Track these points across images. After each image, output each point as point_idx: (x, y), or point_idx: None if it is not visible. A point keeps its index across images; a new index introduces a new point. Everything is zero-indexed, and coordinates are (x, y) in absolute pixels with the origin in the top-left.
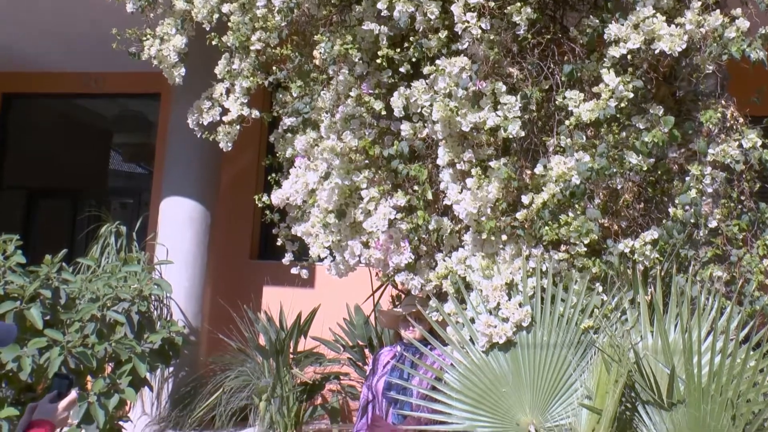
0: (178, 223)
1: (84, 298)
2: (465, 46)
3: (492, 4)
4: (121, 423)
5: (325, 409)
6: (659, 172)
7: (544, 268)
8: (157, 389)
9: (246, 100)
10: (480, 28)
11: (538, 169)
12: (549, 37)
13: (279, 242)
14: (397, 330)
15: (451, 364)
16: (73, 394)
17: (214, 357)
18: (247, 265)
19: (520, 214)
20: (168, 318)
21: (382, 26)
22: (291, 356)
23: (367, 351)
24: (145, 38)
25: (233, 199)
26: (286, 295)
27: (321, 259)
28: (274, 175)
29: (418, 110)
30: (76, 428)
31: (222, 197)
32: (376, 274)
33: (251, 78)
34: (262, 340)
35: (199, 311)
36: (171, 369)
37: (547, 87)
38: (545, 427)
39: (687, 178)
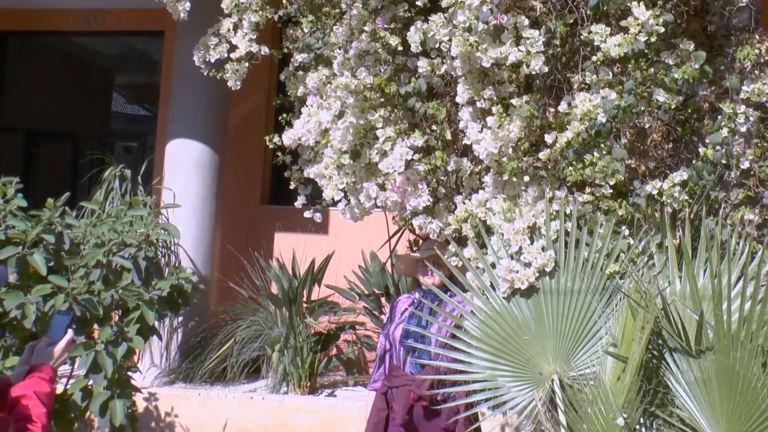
0: (185, 167)
1: (89, 244)
2: None
3: None
4: (130, 373)
5: (340, 360)
6: (689, 111)
7: (568, 211)
8: (166, 340)
9: (255, 36)
10: None
11: (562, 107)
12: None
13: (291, 186)
14: (415, 276)
15: (471, 311)
16: (70, 333)
17: (224, 306)
18: (257, 210)
19: (543, 154)
20: (176, 265)
21: None
22: (304, 305)
23: (383, 299)
24: None
25: (243, 142)
26: (299, 242)
27: (335, 203)
28: (285, 115)
29: (436, 45)
30: (83, 378)
31: (231, 140)
32: (393, 218)
33: (260, 12)
34: (274, 289)
35: (209, 259)
36: (180, 319)
37: (571, 21)
38: (569, 376)
39: (718, 117)
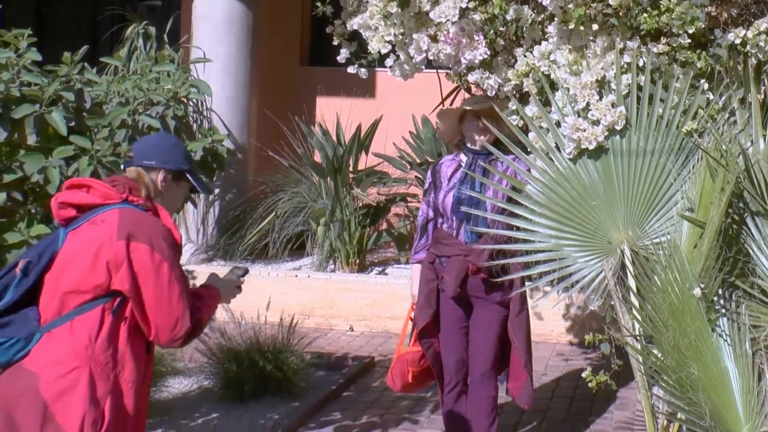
0: (215, 24)
1: (112, 102)
2: None
3: None
4: None
5: (391, 236)
6: None
7: (641, 63)
8: (202, 214)
9: None
10: None
11: None
12: None
13: (334, 43)
14: (456, 141)
15: (529, 170)
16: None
17: (263, 177)
18: (296, 71)
19: (613, 0)
20: (208, 127)
21: None
22: (351, 175)
23: None
24: None
25: None
26: (344, 106)
27: (382, 60)
28: None
29: None
30: None
31: None
32: (446, 75)
33: None
34: (317, 157)
35: (245, 125)
36: (217, 191)
37: None
38: (641, 244)
39: None
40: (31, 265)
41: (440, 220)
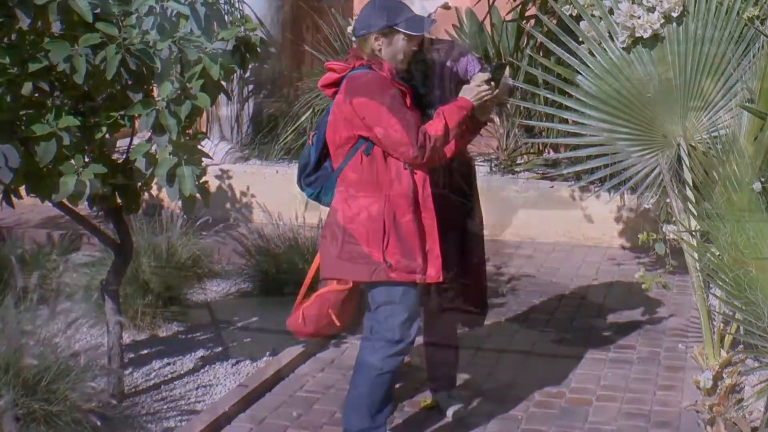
0: None
1: None
2: None
3: None
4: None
5: None
6: None
7: None
8: (236, 111)
9: None
10: None
11: None
12: None
13: None
14: None
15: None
16: (483, 75)
17: (299, 72)
18: None
19: None
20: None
21: None
22: None
23: None
24: None
25: None
26: None
27: None
28: None
29: None
30: (146, 143)
31: None
32: None
33: None
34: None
35: (278, 18)
36: (250, 87)
37: None
38: (698, 138)
39: None
40: (316, 136)
41: None
